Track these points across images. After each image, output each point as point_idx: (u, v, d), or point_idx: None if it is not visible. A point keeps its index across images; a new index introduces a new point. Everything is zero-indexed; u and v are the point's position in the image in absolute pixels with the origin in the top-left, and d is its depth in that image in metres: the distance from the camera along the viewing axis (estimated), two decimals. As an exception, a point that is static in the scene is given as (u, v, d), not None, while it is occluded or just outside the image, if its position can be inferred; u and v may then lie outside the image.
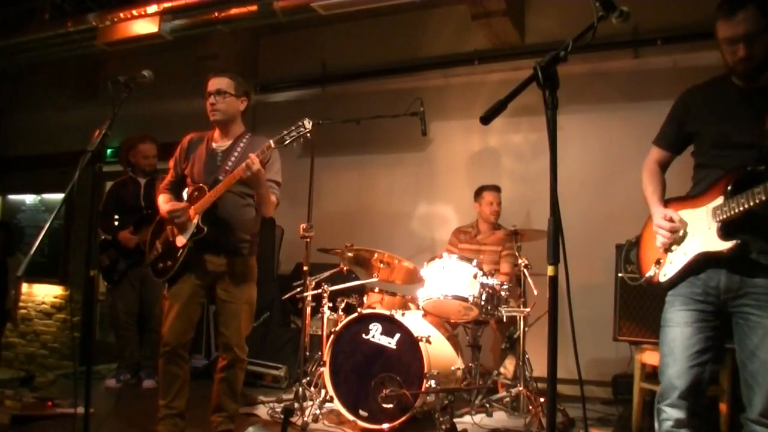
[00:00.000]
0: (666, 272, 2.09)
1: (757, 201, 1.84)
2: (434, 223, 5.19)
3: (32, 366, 6.68)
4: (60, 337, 6.94)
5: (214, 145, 3.02)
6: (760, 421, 1.89)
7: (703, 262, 2.00)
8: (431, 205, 5.26)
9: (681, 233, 2.06)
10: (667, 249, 2.10)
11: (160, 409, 2.87)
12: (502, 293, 3.68)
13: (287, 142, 2.74)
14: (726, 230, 1.94)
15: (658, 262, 2.13)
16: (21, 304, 7.05)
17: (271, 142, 2.75)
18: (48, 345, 7.01)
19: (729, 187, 1.94)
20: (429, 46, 5.31)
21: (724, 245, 1.93)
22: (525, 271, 3.71)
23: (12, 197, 7.55)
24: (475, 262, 3.64)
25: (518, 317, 3.64)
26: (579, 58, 4.34)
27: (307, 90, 5.88)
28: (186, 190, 3.01)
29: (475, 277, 3.57)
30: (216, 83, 2.93)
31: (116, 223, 4.40)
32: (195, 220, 2.86)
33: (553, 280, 1.51)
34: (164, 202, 3.00)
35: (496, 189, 4.39)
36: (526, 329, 3.65)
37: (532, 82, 1.56)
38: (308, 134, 2.72)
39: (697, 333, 2.00)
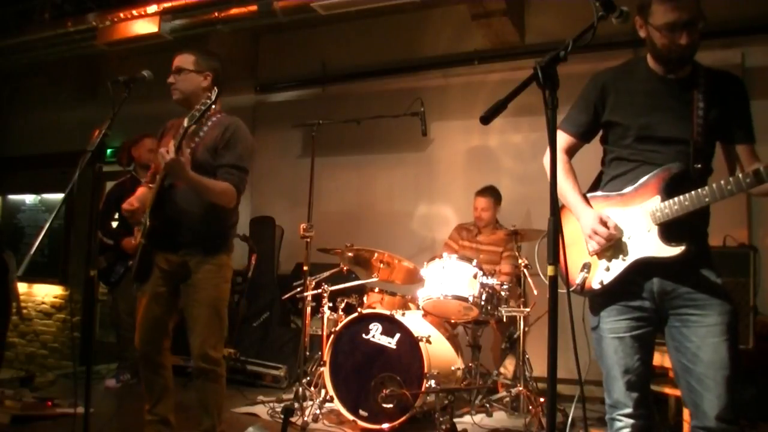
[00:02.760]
0: (602, 279, 1.93)
1: (705, 203, 1.77)
2: (434, 223, 5.19)
3: (32, 366, 6.68)
4: (60, 337, 6.94)
5: (182, 129, 2.74)
6: (720, 427, 1.76)
7: (643, 267, 1.87)
8: (431, 205, 5.26)
9: (614, 240, 1.90)
10: (599, 253, 1.94)
11: (144, 413, 2.77)
12: (502, 293, 3.68)
13: (197, 117, 2.50)
14: (667, 234, 1.83)
15: (585, 266, 1.96)
16: (21, 303, 7.05)
17: (185, 121, 2.50)
18: (48, 345, 7.01)
19: (667, 187, 1.84)
20: (429, 46, 5.31)
21: (672, 251, 1.81)
22: (525, 271, 3.71)
23: (12, 197, 7.55)
24: (475, 261, 3.64)
25: (518, 317, 3.64)
26: (579, 58, 4.31)
27: (307, 90, 5.89)
28: None
29: (475, 277, 3.57)
30: (176, 61, 2.72)
31: (114, 224, 4.40)
32: (145, 216, 2.65)
33: (553, 280, 1.51)
34: (134, 196, 2.77)
35: (486, 194, 4.33)
36: (526, 329, 3.66)
37: (532, 82, 1.56)
38: (213, 105, 2.51)
39: (637, 341, 1.90)
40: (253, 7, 4.65)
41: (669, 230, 1.84)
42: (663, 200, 1.84)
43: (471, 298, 3.51)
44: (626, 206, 1.93)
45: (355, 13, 4.90)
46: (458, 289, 3.53)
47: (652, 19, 1.88)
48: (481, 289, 3.58)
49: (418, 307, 3.76)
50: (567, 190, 2.03)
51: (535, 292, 3.61)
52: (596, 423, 3.60)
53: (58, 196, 6.97)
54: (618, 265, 1.91)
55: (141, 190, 2.84)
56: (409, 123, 4.16)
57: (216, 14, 4.79)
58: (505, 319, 3.70)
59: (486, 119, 1.58)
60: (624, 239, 1.91)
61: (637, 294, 1.90)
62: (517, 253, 3.84)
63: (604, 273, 1.93)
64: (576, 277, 1.97)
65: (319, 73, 5.76)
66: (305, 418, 3.36)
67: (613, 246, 1.92)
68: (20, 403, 3.48)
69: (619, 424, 1.92)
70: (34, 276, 6.97)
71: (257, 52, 6.19)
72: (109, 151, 5.85)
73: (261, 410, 3.72)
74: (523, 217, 4.71)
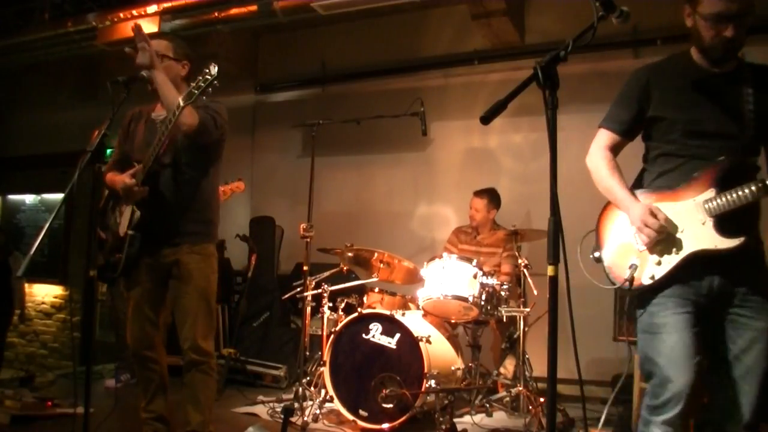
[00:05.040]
0: (654, 273, 1.87)
1: (760, 196, 1.74)
2: (434, 223, 5.19)
3: (32, 366, 6.68)
4: (60, 337, 6.94)
5: (153, 115, 2.70)
6: None
7: (699, 261, 1.82)
8: (431, 205, 5.26)
9: (666, 233, 1.86)
10: (650, 251, 1.89)
11: (140, 411, 2.76)
12: (502, 293, 3.68)
13: (196, 95, 2.36)
14: (723, 226, 1.80)
15: (633, 264, 1.92)
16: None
17: (180, 101, 2.38)
18: (48, 345, 7.01)
19: (721, 180, 1.82)
20: (429, 46, 5.31)
21: (730, 242, 1.77)
22: (525, 271, 3.71)
23: (12, 197, 7.55)
24: (475, 262, 3.64)
25: (518, 317, 3.64)
26: (579, 58, 4.34)
27: (307, 90, 5.89)
28: None
29: (475, 277, 3.57)
30: (152, 46, 2.58)
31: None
32: (130, 205, 2.59)
33: (553, 280, 1.51)
34: (118, 174, 2.62)
35: (482, 195, 4.33)
36: (526, 329, 3.65)
37: (532, 82, 1.56)
38: (215, 82, 2.35)
39: (695, 339, 1.80)
40: (253, 7, 4.65)
41: (725, 222, 1.80)
42: (717, 193, 1.82)
43: (471, 298, 3.51)
44: (678, 200, 1.89)
45: (355, 13, 4.90)
46: (458, 289, 3.52)
47: (700, 8, 1.84)
48: (481, 289, 3.57)
49: (418, 307, 3.76)
50: (613, 185, 1.99)
51: (535, 292, 3.60)
52: (596, 423, 3.60)
53: (58, 196, 6.97)
54: (671, 259, 1.86)
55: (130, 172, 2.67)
56: (409, 123, 4.16)
57: (216, 14, 4.79)
58: (505, 319, 3.70)
59: (486, 119, 1.58)
60: (677, 233, 1.87)
61: (694, 290, 1.85)
62: (517, 253, 3.83)
63: (655, 267, 1.88)
64: (623, 273, 1.92)
65: (319, 73, 5.76)
66: (305, 418, 3.36)
67: (664, 240, 1.87)
68: (20, 403, 3.48)
69: (657, 430, 1.80)
70: (34, 276, 6.97)
71: (257, 52, 6.19)
72: (108, 151, 5.84)
73: (261, 410, 3.72)
74: (523, 217, 4.71)
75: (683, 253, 1.85)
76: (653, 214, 1.86)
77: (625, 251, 1.96)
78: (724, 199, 1.80)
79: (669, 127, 1.93)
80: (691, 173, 1.88)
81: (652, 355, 1.87)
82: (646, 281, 1.89)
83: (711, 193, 1.83)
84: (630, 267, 1.91)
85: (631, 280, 1.90)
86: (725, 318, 1.83)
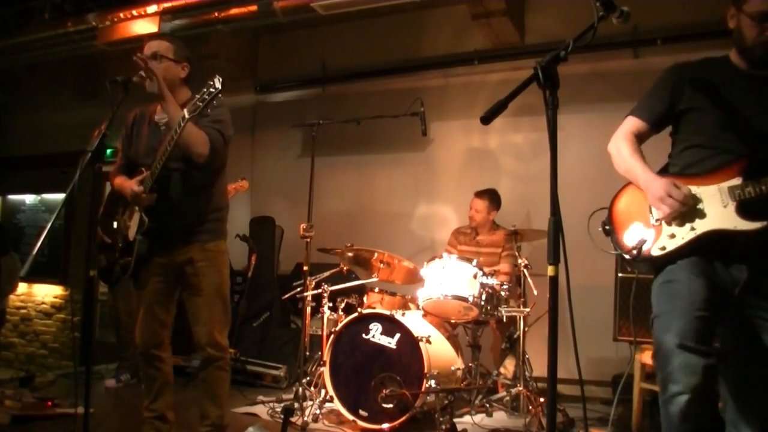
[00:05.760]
0: (665, 245, 1.86)
1: None
2: (434, 223, 5.19)
3: (32, 366, 6.67)
4: (60, 337, 6.93)
5: (156, 118, 2.69)
6: None
7: (714, 241, 1.80)
8: (431, 205, 5.26)
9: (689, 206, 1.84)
10: (667, 222, 1.88)
11: (143, 410, 2.77)
12: (502, 293, 3.68)
13: (201, 108, 2.35)
14: (746, 209, 1.79)
15: (645, 234, 1.92)
16: (21, 303, 7.06)
17: (185, 113, 2.36)
18: (48, 345, 7.00)
19: (749, 170, 1.81)
20: (429, 46, 5.31)
21: (750, 225, 1.76)
22: (525, 271, 3.71)
23: (12, 197, 7.55)
24: (475, 262, 3.64)
25: (518, 317, 3.64)
26: (579, 58, 4.34)
27: (307, 90, 5.88)
28: None
29: (475, 277, 3.57)
30: (151, 46, 2.55)
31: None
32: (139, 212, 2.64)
33: (553, 280, 1.52)
34: (126, 180, 2.65)
35: (482, 196, 4.33)
36: (526, 329, 3.65)
37: (533, 82, 1.56)
38: (220, 94, 2.35)
39: (705, 300, 1.74)
40: (253, 7, 4.65)
41: (748, 207, 1.79)
42: (744, 181, 1.81)
43: (471, 298, 3.51)
44: (702, 185, 1.88)
45: (355, 13, 4.90)
46: (458, 289, 3.52)
47: (746, 6, 1.85)
48: (481, 289, 3.57)
49: (418, 307, 3.76)
50: (634, 163, 1.97)
51: (535, 292, 3.60)
52: (596, 423, 3.60)
53: (58, 196, 6.97)
54: (685, 235, 1.85)
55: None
56: (409, 123, 4.16)
57: (216, 14, 4.79)
58: (505, 319, 3.70)
59: (486, 119, 1.59)
60: (698, 211, 1.86)
61: (719, 278, 1.82)
62: (516, 253, 3.83)
63: (667, 240, 1.87)
64: (632, 244, 1.92)
65: (319, 73, 5.76)
66: (305, 418, 3.36)
67: (682, 216, 1.86)
68: (20, 403, 3.48)
69: (673, 389, 1.71)
70: (34, 276, 6.97)
71: (257, 52, 6.19)
72: (108, 151, 5.84)
73: (261, 410, 3.72)
74: (523, 217, 4.71)
75: (700, 230, 1.83)
76: (676, 186, 1.85)
77: (637, 225, 1.96)
78: (750, 186, 1.79)
79: (700, 119, 1.93)
80: (718, 165, 1.87)
81: (659, 302, 1.85)
82: (656, 252, 1.88)
83: (737, 180, 1.82)
84: (639, 239, 1.90)
85: (639, 248, 1.89)
86: (749, 317, 1.81)
